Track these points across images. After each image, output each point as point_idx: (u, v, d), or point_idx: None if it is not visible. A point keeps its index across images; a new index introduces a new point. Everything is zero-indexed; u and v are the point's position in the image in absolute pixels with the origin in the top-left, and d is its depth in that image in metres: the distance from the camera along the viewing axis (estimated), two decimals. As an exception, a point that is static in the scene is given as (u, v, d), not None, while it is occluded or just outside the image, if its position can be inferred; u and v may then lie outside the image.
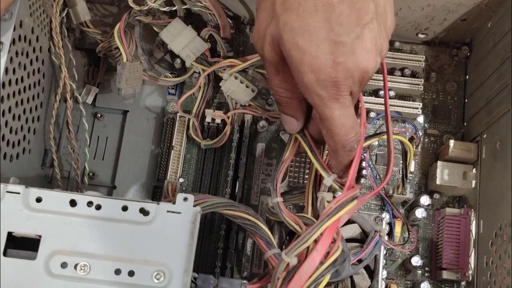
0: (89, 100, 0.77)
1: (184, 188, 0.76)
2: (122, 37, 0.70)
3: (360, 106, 0.61)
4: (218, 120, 0.75)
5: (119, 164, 0.79)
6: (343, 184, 0.62)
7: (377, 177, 0.77)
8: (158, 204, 0.55)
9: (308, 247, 0.57)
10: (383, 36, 0.52)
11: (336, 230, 0.59)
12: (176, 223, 0.54)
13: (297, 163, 0.76)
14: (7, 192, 0.54)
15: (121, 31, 0.69)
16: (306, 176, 0.72)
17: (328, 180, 0.62)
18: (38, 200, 0.54)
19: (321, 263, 0.57)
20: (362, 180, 0.77)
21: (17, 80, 0.60)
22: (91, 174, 0.77)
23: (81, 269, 0.53)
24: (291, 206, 0.70)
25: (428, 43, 0.84)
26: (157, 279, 0.53)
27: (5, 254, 0.52)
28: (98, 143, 0.80)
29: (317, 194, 0.65)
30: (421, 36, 0.82)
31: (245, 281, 0.65)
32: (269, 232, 0.65)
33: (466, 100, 0.81)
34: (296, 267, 0.57)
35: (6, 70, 0.57)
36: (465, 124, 0.80)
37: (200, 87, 0.76)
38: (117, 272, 0.53)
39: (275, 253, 0.64)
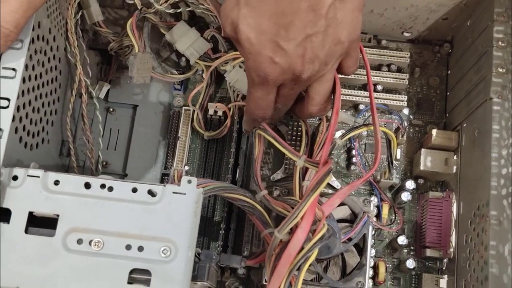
0: (102, 95, 0.79)
1: (189, 175, 0.78)
2: (134, 30, 0.71)
3: (336, 88, 0.63)
4: (220, 112, 0.77)
5: (129, 154, 0.80)
6: (315, 162, 0.64)
7: (366, 164, 0.79)
8: (164, 186, 0.57)
9: (297, 225, 0.59)
10: (328, 49, 0.56)
11: (320, 209, 0.61)
12: (181, 203, 0.56)
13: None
14: (28, 176, 0.55)
15: (133, 25, 0.71)
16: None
17: (300, 161, 0.65)
18: (56, 183, 0.56)
19: (309, 239, 0.59)
20: (352, 167, 0.79)
21: (36, 76, 0.62)
22: (104, 163, 0.79)
23: (95, 244, 0.54)
24: (286, 190, 0.72)
25: (413, 41, 0.85)
26: (164, 254, 0.55)
27: (26, 231, 0.54)
28: (111, 135, 0.81)
29: (302, 184, 0.67)
30: (406, 34, 0.83)
31: (244, 257, 0.67)
32: (265, 213, 0.67)
33: (448, 93, 0.83)
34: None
35: (26, 66, 0.58)
36: (447, 115, 0.82)
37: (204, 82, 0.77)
38: (128, 247, 0.55)
39: (270, 232, 0.66)
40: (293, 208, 0.62)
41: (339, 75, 0.62)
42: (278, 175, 0.77)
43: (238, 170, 0.77)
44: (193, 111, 0.78)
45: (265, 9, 0.53)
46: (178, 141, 0.78)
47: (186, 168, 0.77)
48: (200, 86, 0.78)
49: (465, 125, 0.75)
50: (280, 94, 0.62)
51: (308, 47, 0.55)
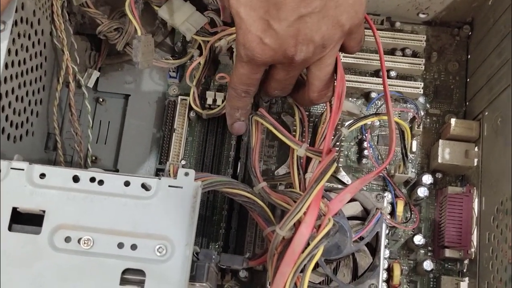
0: (91, 83, 0.80)
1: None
2: (133, 11, 0.71)
3: (338, 72, 0.65)
4: (218, 101, 0.78)
5: (121, 148, 0.81)
6: (318, 151, 0.65)
7: (379, 157, 0.80)
8: (159, 179, 0.58)
9: (300, 220, 0.60)
10: (325, 31, 0.57)
11: (325, 203, 0.62)
12: (177, 198, 0.57)
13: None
14: (11, 168, 0.56)
15: (132, 5, 0.71)
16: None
17: (300, 150, 0.65)
18: (42, 176, 0.57)
19: (314, 236, 0.60)
20: (364, 161, 0.80)
21: (19, 62, 0.63)
22: (93, 158, 0.79)
23: (84, 243, 0.55)
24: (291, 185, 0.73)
25: (429, 23, 0.86)
26: (159, 252, 0.55)
27: (10, 229, 0.55)
28: (100, 127, 0.82)
29: (304, 176, 0.68)
30: (421, 16, 0.84)
31: (246, 257, 0.68)
32: (267, 209, 0.68)
33: (467, 79, 0.83)
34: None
35: (9, 51, 0.59)
36: (466, 103, 0.83)
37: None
38: (120, 246, 0.56)
39: (273, 230, 0.67)
40: (295, 201, 0.63)
41: (344, 56, 0.64)
42: (283, 169, 0.78)
43: (239, 164, 0.78)
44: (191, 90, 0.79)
45: None
46: (174, 133, 0.78)
47: (183, 162, 0.78)
48: (198, 60, 0.78)
49: (486, 113, 0.75)
50: (275, 79, 0.64)
51: (302, 28, 0.56)
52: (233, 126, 0.70)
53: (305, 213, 0.60)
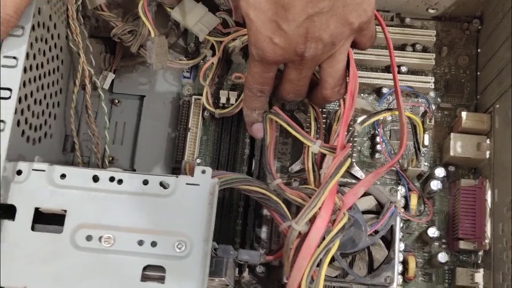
0: (106, 85, 0.81)
1: (200, 166, 0.80)
2: (146, 13, 0.72)
3: (350, 68, 0.66)
4: (232, 100, 0.79)
5: (137, 148, 0.82)
6: (332, 147, 0.66)
7: (392, 152, 0.81)
8: (177, 177, 0.59)
9: (315, 215, 0.61)
10: (334, 29, 0.59)
11: (340, 197, 0.63)
12: (195, 195, 0.58)
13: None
14: (32, 170, 0.58)
15: (145, 7, 0.72)
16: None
17: (315, 147, 0.66)
18: (62, 176, 0.58)
19: (329, 230, 0.61)
20: (377, 156, 0.81)
21: (37, 65, 0.64)
22: (110, 158, 0.81)
23: (105, 241, 0.56)
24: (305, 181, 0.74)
25: (439, 18, 0.86)
26: (179, 249, 0.56)
27: (33, 228, 0.56)
28: (117, 128, 0.83)
29: (319, 172, 0.69)
30: (431, 11, 0.85)
31: (263, 253, 0.69)
32: (283, 205, 0.68)
33: (478, 73, 0.84)
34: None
35: (27, 55, 0.60)
36: (477, 96, 0.83)
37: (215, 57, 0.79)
38: (140, 243, 0.57)
39: (289, 225, 0.68)
40: (310, 197, 0.64)
41: (355, 52, 0.65)
42: (297, 165, 0.79)
43: (254, 161, 0.79)
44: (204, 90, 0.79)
45: None
46: (189, 132, 0.80)
47: (198, 161, 0.79)
48: (212, 60, 0.79)
49: (497, 106, 0.76)
50: (289, 79, 0.65)
51: (310, 27, 0.57)
52: (252, 128, 0.71)
53: (320, 208, 0.61)
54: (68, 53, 0.74)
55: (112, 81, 0.83)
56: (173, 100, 0.84)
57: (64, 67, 0.73)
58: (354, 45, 0.64)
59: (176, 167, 0.81)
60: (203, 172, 0.59)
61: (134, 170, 0.81)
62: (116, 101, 0.84)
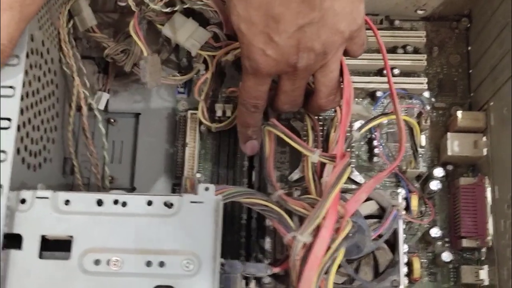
0: (101, 106, 0.81)
1: (201, 183, 0.80)
2: (138, 32, 0.73)
3: (343, 76, 0.67)
4: (228, 113, 0.79)
5: (136, 166, 0.82)
6: (332, 156, 0.66)
7: (390, 154, 0.81)
8: (181, 196, 0.59)
9: (319, 225, 0.61)
10: (325, 39, 0.59)
11: (342, 205, 0.63)
12: (200, 213, 0.58)
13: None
14: (36, 197, 0.58)
15: (136, 26, 0.73)
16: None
17: (314, 157, 0.67)
18: (67, 203, 0.58)
19: (333, 239, 0.61)
20: (375, 159, 0.81)
21: (33, 92, 0.64)
22: (110, 178, 0.81)
23: (114, 264, 0.57)
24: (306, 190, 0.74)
25: (428, 19, 0.87)
26: (187, 267, 0.57)
27: (40, 256, 0.57)
28: (114, 147, 0.83)
29: (320, 181, 0.69)
30: (420, 12, 0.85)
31: (270, 265, 0.69)
32: (286, 216, 0.68)
33: (470, 71, 0.85)
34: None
35: (23, 83, 0.61)
36: (471, 94, 0.84)
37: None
38: (148, 264, 0.57)
39: (293, 236, 0.68)
40: (313, 207, 0.64)
41: (347, 58, 0.65)
42: (297, 174, 0.79)
43: (253, 173, 0.79)
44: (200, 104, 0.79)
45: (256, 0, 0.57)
46: (187, 147, 0.80)
47: (198, 175, 0.80)
48: (206, 75, 0.79)
49: (492, 103, 0.77)
50: (283, 91, 0.66)
51: (301, 37, 0.58)
52: (246, 145, 0.72)
53: (324, 218, 0.61)
54: (62, 77, 0.74)
55: (107, 100, 0.83)
56: (169, 116, 0.84)
57: (59, 91, 0.73)
58: (345, 53, 0.65)
59: (176, 183, 0.81)
60: (207, 189, 0.59)
61: (134, 188, 0.82)
62: (112, 120, 0.84)
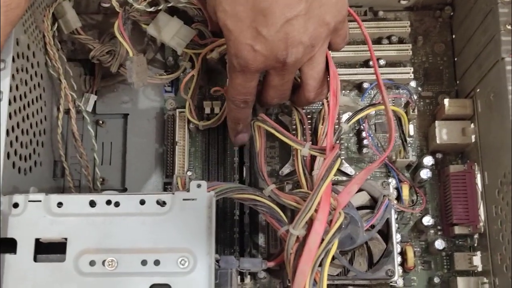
0: (89, 107, 0.81)
1: (192, 181, 0.80)
2: (122, 33, 0.73)
3: (330, 68, 0.67)
4: (216, 110, 0.80)
5: (126, 167, 0.83)
6: (322, 149, 0.67)
7: (379, 145, 0.82)
8: (173, 194, 0.59)
9: (311, 218, 0.62)
10: (313, 31, 0.60)
11: (334, 197, 0.64)
12: (193, 210, 0.59)
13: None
14: (29, 201, 0.58)
15: (120, 27, 0.73)
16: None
17: (304, 150, 0.68)
18: (59, 205, 0.58)
19: (327, 231, 0.62)
20: (365, 150, 0.82)
21: (20, 96, 0.65)
22: (101, 179, 0.81)
23: (109, 264, 0.57)
24: (298, 184, 0.75)
25: (411, 8, 0.88)
26: (182, 265, 0.57)
27: (35, 260, 0.57)
28: (104, 149, 0.83)
29: (311, 174, 0.70)
30: (403, 2, 0.86)
31: (264, 260, 0.70)
32: (279, 210, 0.69)
33: (455, 59, 0.85)
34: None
35: (10, 87, 0.61)
36: (457, 82, 0.85)
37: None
38: (143, 263, 0.57)
39: (287, 229, 0.69)
40: (304, 201, 0.65)
41: (331, 52, 0.66)
42: (287, 168, 0.79)
43: (244, 168, 0.80)
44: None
45: None
46: (177, 146, 0.80)
47: (189, 173, 0.80)
48: (191, 73, 0.79)
49: (478, 90, 0.77)
50: (272, 86, 0.66)
51: (290, 31, 0.58)
52: (236, 138, 0.72)
53: (316, 211, 0.62)
54: (49, 80, 0.75)
55: (95, 102, 0.83)
56: (157, 115, 0.84)
57: (46, 94, 0.73)
58: (328, 46, 0.66)
59: (167, 182, 0.81)
60: (199, 186, 0.60)
61: (126, 189, 0.82)
62: (101, 122, 0.84)
